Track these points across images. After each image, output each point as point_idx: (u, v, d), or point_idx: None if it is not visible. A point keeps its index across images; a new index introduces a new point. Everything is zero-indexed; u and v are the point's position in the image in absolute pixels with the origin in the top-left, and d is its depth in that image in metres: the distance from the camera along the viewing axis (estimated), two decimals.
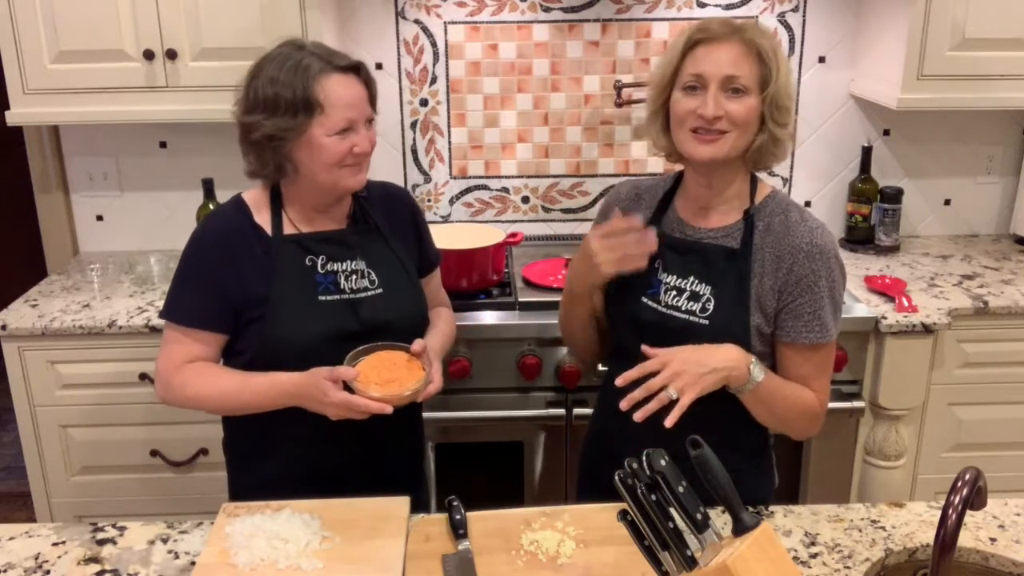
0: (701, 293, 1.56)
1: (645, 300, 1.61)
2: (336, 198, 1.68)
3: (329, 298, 1.65)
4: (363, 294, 1.67)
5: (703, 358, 1.46)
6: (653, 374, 1.46)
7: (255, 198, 1.69)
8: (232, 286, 1.62)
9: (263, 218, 1.67)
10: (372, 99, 1.65)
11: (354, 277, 1.67)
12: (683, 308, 1.57)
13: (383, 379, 1.55)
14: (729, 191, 1.58)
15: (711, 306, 1.55)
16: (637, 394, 1.45)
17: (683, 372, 1.44)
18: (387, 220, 1.76)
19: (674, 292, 1.58)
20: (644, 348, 1.49)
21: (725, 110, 1.49)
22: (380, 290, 1.69)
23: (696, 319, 1.55)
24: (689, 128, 1.52)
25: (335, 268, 1.67)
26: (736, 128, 1.50)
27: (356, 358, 1.58)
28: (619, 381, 1.48)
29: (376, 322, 1.65)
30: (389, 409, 1.52)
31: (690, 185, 1.63)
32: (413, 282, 1.75)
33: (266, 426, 1.66)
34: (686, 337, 1.56)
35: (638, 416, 1.43)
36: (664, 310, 1.59)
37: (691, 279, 1.58)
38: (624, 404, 1.46)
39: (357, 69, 1.63)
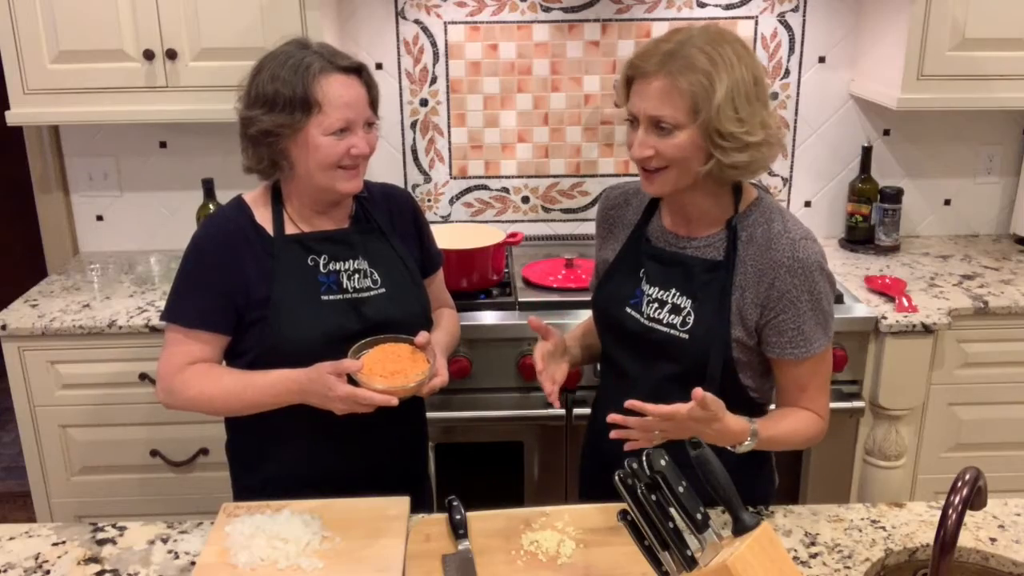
0: (682, 306, 1.55)
1: (628, 310, 1.60)
2: (332, 201, 1.68)
3: (332, 298, 1.65)
4: (366, 294, 1.67)
5: (700, 431, 1.39)
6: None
7: (256, 198, 1.69)
8: (234, 287, 1.61)
9: (264, 218, 1.66)
10: (373, 102, 1.65)
11: (357, 276, 1.67)
12: (664, 321, 1.56)
13: (387, 371, 1.54)
14: (704, 206, 1.55)
15: (691, 320, 1.53)
16: (632, 435, 1.41)
17: (673, 431, 1.40)
18: (389, 220, 1.76)
19: (656, 304, 1.57)
20: (649, 407, 1.38)
21: (656, 148, 1.46)
22: (383, 290, 1.69)
23: (677, 333, 1.54)
24: (634, 159, 1.52)
25: (337, 268, 1.66)
26: (672, 164, 1.47)
27: (360, 351, 1.57)
28: (611, 419, 1.42)
29: (379, 322, 1.65)
30: (395, 401, 1.51)
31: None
32: (416, 282, 1.75)
33: (268, 427, 1.66)
34: (668, 350, 1.55)
35: (627, 447, 1.41)
36: (646, 322, 1.58)
37: (672, 291, 1.56)
38: (614, 434, 1.42)
39: (359, 70, 1.62)
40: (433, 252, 1.87)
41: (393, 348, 1.59)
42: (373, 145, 1.65)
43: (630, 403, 1.38)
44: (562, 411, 2.32)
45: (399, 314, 1.68)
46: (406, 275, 1.73)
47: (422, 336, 1.60)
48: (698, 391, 1.34)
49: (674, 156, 1.46)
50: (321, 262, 1.66)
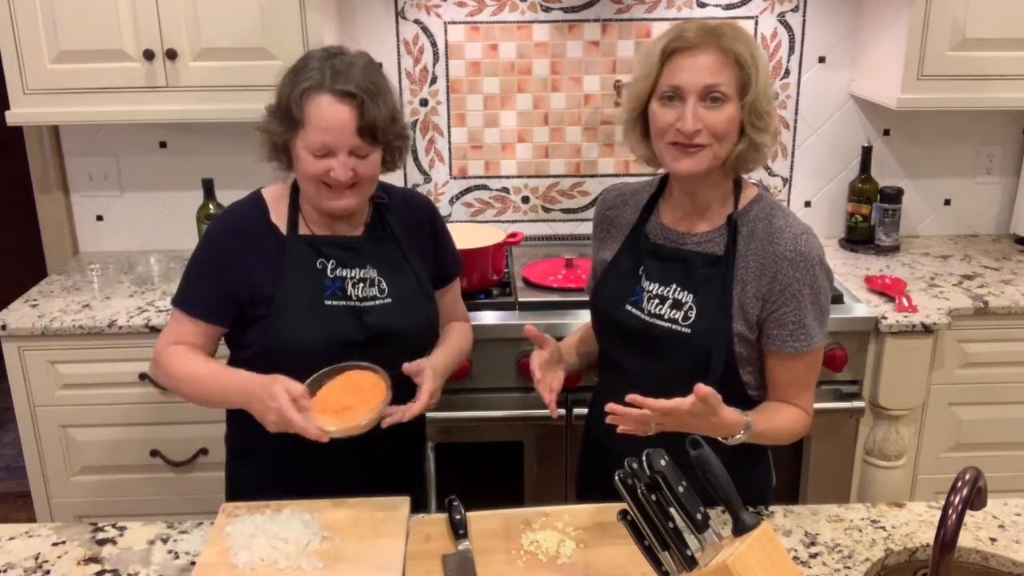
0: (683, 301, 1.55)
1: (628, 308, 1.61)
2: (327, 212, 1.66)
3: (335, 303, 1.64)
4: (370, 303, 1.66)
5: (698, 426, 1.40)
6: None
7: (275, 195, 1.70)
8: (239, 282, 1.63)
9: (279, 216, 1.67)
10: (365, 130, 1.56)
11: (362, 285, 1.67)
12: (666, 316, 1.56)
13: (341, 406, 1.49)
14: (711, 198, 1.56)
15: (693, 314, 1.54)
16: (627, 423, 1.41)
17: (671, 425, 1.40)
18: (405, 229, 1.75)
19: (656, 300, 1.57)
20: (649, 402, 1.38)
21: (704, 122, 1.46)
22: (389, 300, 1.68)
23: (679, 327, 1.55)
24: (669, 141, 1.50)
25: (344, 274, 1.66)
26: (716, 140, 1.47)
27: (321, 380, 1.53)
28: (609, 413, 1.42)
29: (381, 331, 1.65)
30: (325, 438, 1.47)
31: (673, 191, 1.62)
32: (426, 293, 1.74)
33: None
34: (670, 345, 1.55)
35: (619, 430, 1.42)
36: (647, 318, 1.58)
37: (673, 287, 1.56)
38: (610, 420, 1.42)
39: (353, 96, 1.55)
40: (449, 263, 1.85)
41: (356, 377, 1.54)
42: (364, 173, 1.60)
43: (631, 397, 1.38)
44: (562, 411, 2.31)
45: (402, 324, 1.67)
46: (416, 286, 1.72)
47: (410, 366, 1.61)
48: (701, 387, 1.35)
49: (721, 129, 1.47)
50: (329, 266, 1.66)
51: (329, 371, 1.55)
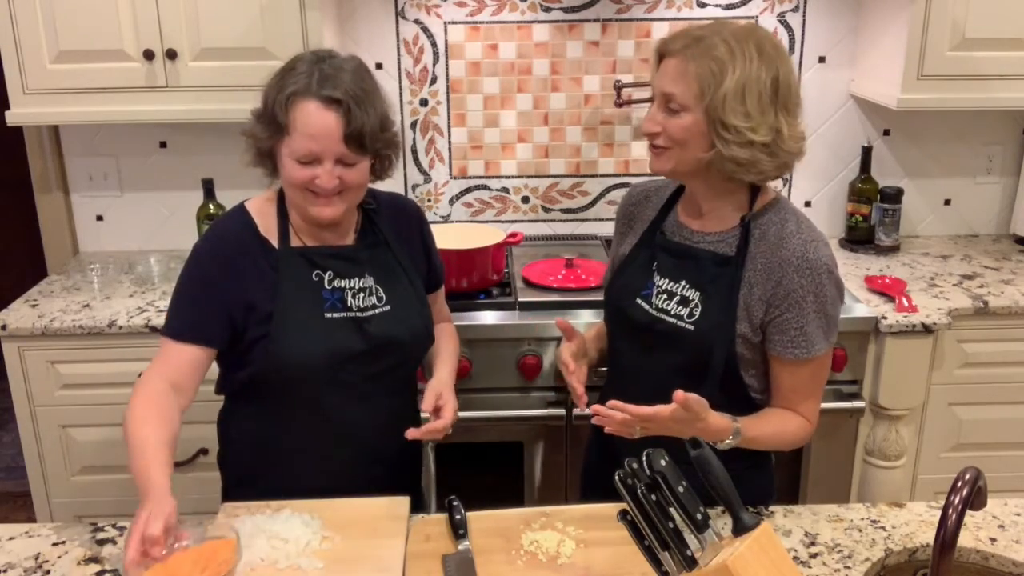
0: (690, 298, 1.56)
1: (639, 301, 1.61)
2: (313, 221, 1.61)
3: (336, 315, 1.61)
4: (370, 312, 1.63)
5: (682, 431, 1.40)
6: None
7: (260, 208, 1.64)
8: (233, 301, 1.57)
9: (268, 229, 1.62)
10: (352, 138, 1.51)
11: (362, 295, 1.64)
12: (672, 312, 1.57)
13: (182, 571, 1.34)
14: (716, 199, 1.56)
15: (698, 312, 1.54)
16: (614, 429, 1.44)
17: (655, 430, 1.42)
18: (395, 233, 1.72)
19: (665, 295, 1.58)
20: (630, 408, 1.41)
21: (663, 127, 1.50)
22: (388, 307, 1.65)
23: (683, 324, 1.55)
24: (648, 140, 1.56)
25: (342, 285, 1.63)
26: (675, 144, 1.49)
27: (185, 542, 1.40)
28: (593, 413, 1.45)
29: (383, 340, 1.63)
30: None
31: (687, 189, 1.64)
32: (420, 297, 1.72)
33: (263, 438, 1.66)
34: (672, 341, 1.56)
35: (607, 430, 1.45)
36: (653, 312, 1.59)
37: (682, 283, 1.57)
38: (596, 421, 1.45)
39: (339, 102, 1.50)
40: (438, 268, 1.83)
41: (216, 547, 1.40)
42: (350, 181, 1.55)
43: (612, 403, 1.42)
44: (562, 411, 2.32)
45: (402, 332, 1.66)
46: (411, 291, 1.70)
47: (431, 397, 1.62)
48: (679, 393, 1.36)
49: (677, 136, 1.49)
50: (326, 278, 1.62)
51: (207, 535, 1.45)
